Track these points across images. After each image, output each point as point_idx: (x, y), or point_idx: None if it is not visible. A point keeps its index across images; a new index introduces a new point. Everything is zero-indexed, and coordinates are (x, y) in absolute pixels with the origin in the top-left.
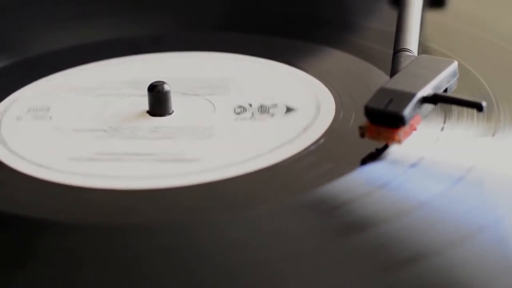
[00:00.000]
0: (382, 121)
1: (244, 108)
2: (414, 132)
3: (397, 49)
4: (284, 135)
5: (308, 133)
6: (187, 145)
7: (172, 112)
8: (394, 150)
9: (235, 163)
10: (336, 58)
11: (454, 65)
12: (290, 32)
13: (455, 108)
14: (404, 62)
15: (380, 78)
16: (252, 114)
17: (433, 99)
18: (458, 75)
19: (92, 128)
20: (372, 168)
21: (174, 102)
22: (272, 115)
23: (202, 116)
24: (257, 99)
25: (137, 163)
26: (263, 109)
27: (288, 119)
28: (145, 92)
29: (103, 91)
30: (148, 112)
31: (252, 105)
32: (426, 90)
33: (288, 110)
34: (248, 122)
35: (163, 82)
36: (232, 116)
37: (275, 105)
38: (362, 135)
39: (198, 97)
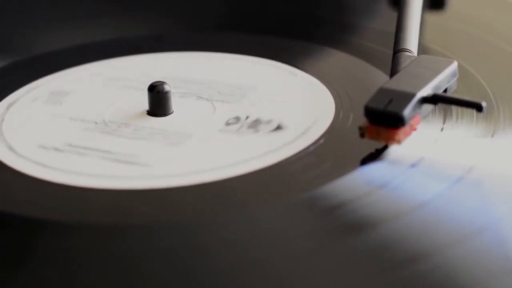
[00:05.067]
0: (382, 121)
1: (238, 118)
2: (414, 133)
3: (397, 49)
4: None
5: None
6: (149, 149)
7: (172, 112)
8: (393, 150)
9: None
10: (336, 59)
11: (454, 65)
12: (290, 32)
13: (454, 108)
14: (404, 62)
15: (379, 78)
16: (241, 126)
17: (433, 99)
18: (457, 76)
19: (85, 119)
20: (372, 169)
21: (184, 103)
22: (256, 131)
23: (191, 121)
24: (256, 111)
25: (93, 160)
26: (252, 125)
27: (269, 137)
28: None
29: (113, 87)
30: (148, 112)
31: (249, 117)
32: (426, 91)
33: (278, 128)
34: (231, 135)
35: (163, 82)
36: (219, 127)
37: (269, 121)
38: (362, 135)
39: (205, 101)
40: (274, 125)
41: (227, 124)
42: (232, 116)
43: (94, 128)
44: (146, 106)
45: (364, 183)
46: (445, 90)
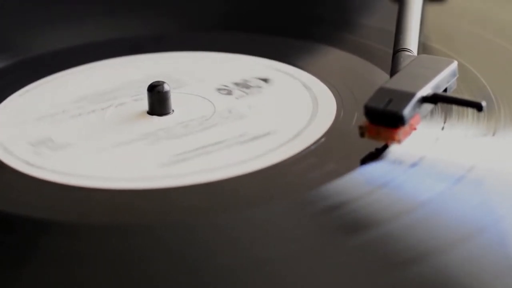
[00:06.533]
0: (382, 120)
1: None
2: (413, 132)
3: (397, 49)
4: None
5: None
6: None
7: (173, 111)
8: (394, 149)
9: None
10: (337, 58)
11: (454, 65)
12: (290, 31)
13: (455, 107)
14: (404, 62)
15: (380, 77)
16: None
17: (432, 99)
18: (457, 75)
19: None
20: (372, 168)
21: (184, 102)
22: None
23: (205, 110)
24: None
25: (223, 152)
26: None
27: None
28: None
29: (97, 97)
30: (148, 112)
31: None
32: (426, 90)
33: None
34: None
35: (163, 82)
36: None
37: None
38: (362, 134)
39: (192, 95)
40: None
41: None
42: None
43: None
44: (145, 106)
45: (364, 182)
46: (445, 90)
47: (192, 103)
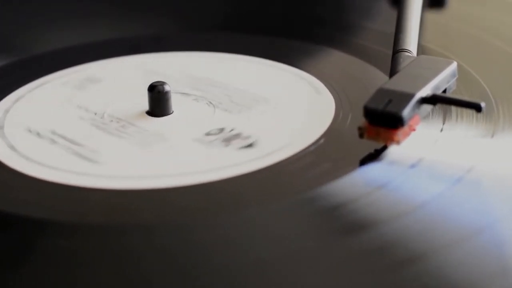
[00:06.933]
0: (381, 121)
1: (221, 130)
2: (413, 133)
3: (397, 49)
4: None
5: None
6: (110, 146)
7: (172, 112)
8: (393, 150)
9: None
10: (336, 59)
11: (453, 65)
12: (290, 32)
13: (454, 108)
14: (403, 63)
15: (379, 79)
16: (216, 139)
17: (432, 99)
18: (457, 76)
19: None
20: (372, 169)
21: (183, 103)
22: (227, 145)
23: (180, 124)
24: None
25: (58, 150)
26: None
27: (237, 154)
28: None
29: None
30: (147, 112)
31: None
32: (425, 91)
33: (248, 146)
34: (200, 145)
35: (163, 82)
36: (198, 135)
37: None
38: (361, 135)
39: (205, 102)
40: (248, 142)
41: (207, 134)
42: (216, 127)
43: (89, 119)
44: (142, 107)
45: (363, 183)
46: (445, 91)
47: (191, 105)
